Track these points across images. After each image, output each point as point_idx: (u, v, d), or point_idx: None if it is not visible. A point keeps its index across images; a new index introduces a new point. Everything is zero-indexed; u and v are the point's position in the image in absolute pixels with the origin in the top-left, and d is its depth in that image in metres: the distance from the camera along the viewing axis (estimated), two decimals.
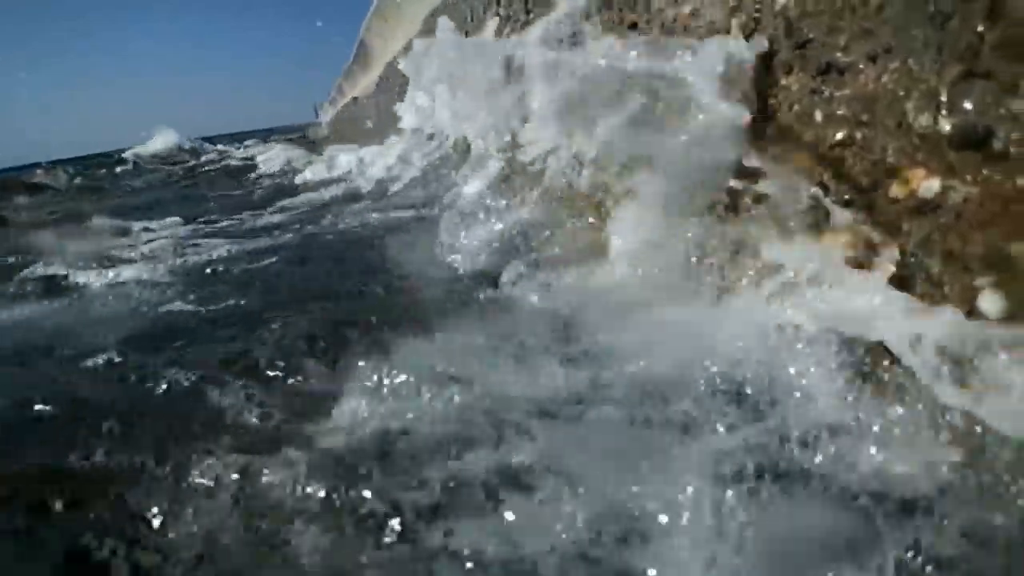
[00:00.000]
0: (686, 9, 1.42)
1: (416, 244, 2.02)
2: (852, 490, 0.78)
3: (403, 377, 1.07)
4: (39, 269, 2.67)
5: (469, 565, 0.76)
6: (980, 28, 0.87)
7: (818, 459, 0.83)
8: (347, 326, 1.37)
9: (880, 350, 0.91)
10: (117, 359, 1.38)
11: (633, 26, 1.65)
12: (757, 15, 1.21)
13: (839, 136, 1.02)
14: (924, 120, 0.91)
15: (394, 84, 5.43)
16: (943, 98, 0.89)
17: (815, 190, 1.05)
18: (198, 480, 0.94)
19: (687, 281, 1.18)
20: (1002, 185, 0.82)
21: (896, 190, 0.93)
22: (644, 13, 1.60)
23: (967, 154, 0.86)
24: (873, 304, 0.92)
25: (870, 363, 0.91)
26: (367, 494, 0.87)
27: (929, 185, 0.89)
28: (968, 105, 0.87)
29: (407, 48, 4.85)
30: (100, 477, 1.00)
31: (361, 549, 0.81)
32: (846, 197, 1.00)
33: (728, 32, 1.27)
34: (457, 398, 1.02)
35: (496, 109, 2.14)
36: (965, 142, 0.86)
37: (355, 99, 9.91)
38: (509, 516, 0.82)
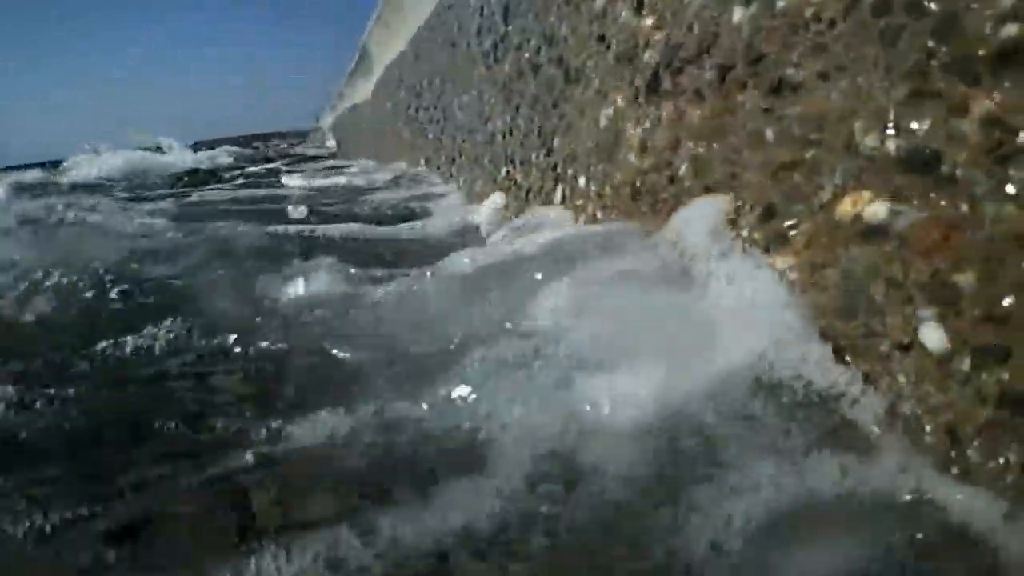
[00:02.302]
0: (649, 22, 1.39)
1: None
2: None
3: None
4: None
5: None
6: (930, 45, 0.83)
7: None
8: None
9: None
10: None
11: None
12: (715, 29, 1.18)
13: (789, 157, 0.98)
14: (871, 141, 0.87)
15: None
16: (891, 118, 0.85)
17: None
18: None
19: None
20: (948, 211, 0.78)
21: (842, 214, 0.89)
22: (612, 25, 1.57)
23: (914, 177, 0.82)
24: None
25: None
26: None
27: (875, 210, 0.85)
28: (916, 125, 0.83)
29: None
30: None
31: None
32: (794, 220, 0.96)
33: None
34: None
35: None
36: (912, 165, 0.82)
37: (354, 106, 9.93)
38: None
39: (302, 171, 6.78)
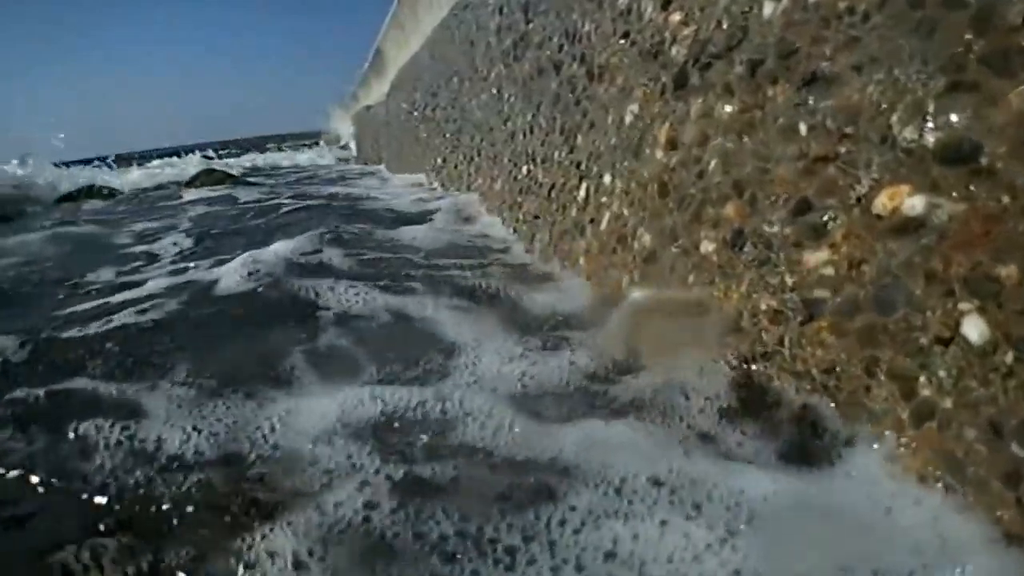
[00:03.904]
0: (676, 17, 1.39)
1: None
2: None
3: None
4: None
5: None
6: (967, 37, 0.82)
7: None
8: None
9: None
10: None
11: (625, 35, 1.62)
12: (745, 23, 1.17)
13: (823, 149, 0.98)
14: (909, 133, 0.86)
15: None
16: (929, 111, 0.85)
17: None
18: None
19: None
20: (988, 203, 0.77)
21: (880, 207, 0.88)
22: (636, 22, 1.57)
23: (953, 170, 0.81)
24: None
25: None
26: None
27: (913, 203, 0.85)
28: (955, 118, 0.82)
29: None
30: None
31: None
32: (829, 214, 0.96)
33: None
34: None
35: None
36: (951, 157, 0.82)
37: (368, 107, 9.97)
38: None
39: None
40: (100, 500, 0.95)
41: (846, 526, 0.78)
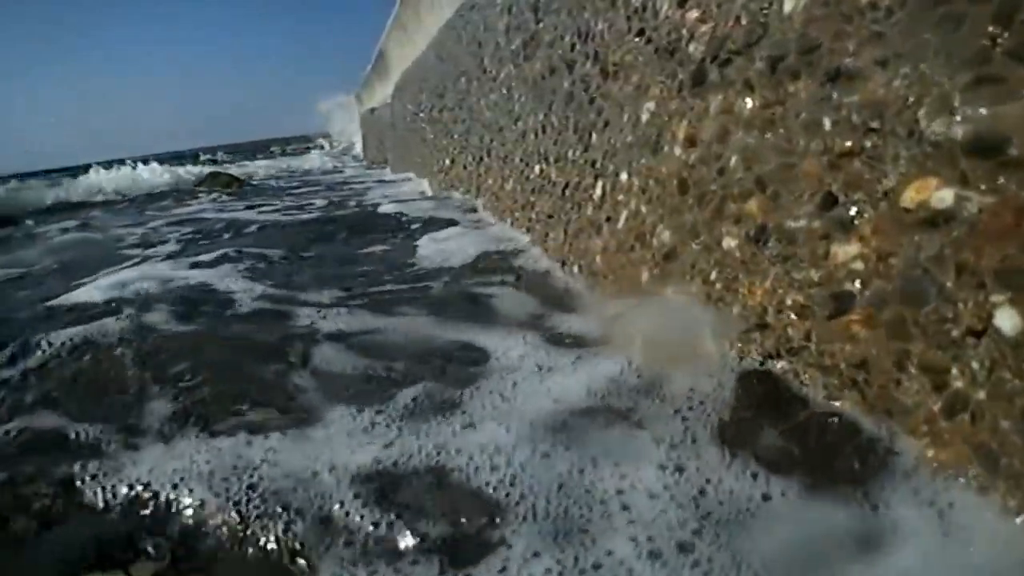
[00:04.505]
0: (693, 15, 1.39)
1: None
2: None
3: None
4: None
5: None
6: (992, 30, 0.83)
7: None
8: None
9: None
10: None
11: (641, 33, 1.62)
12: (764, 20, 1.18)
13: (848, 144, 0.98)
14: (937, 127, 0.87)
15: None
16: (956, 104, 0.85)
17: None
18: None
19: None
20: (1019, 195, 0.78)
21: (908, 200, 0.89)
22: (651, 20, 1.57)
23: (981, 162, 0.82)
24: None
25: None
26: None
27: (942, 196, 0.85)
28: (982, 111, 0.83)
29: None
30: None
31: None
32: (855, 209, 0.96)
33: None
34: None
35: None
36: (979, 150, 0.82)
37: (373, 109, 9.99)
38: None
39: None
40: None
41: None
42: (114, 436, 1.19)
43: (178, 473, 1.03)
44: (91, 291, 2.20)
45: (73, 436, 1.21)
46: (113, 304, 2.02)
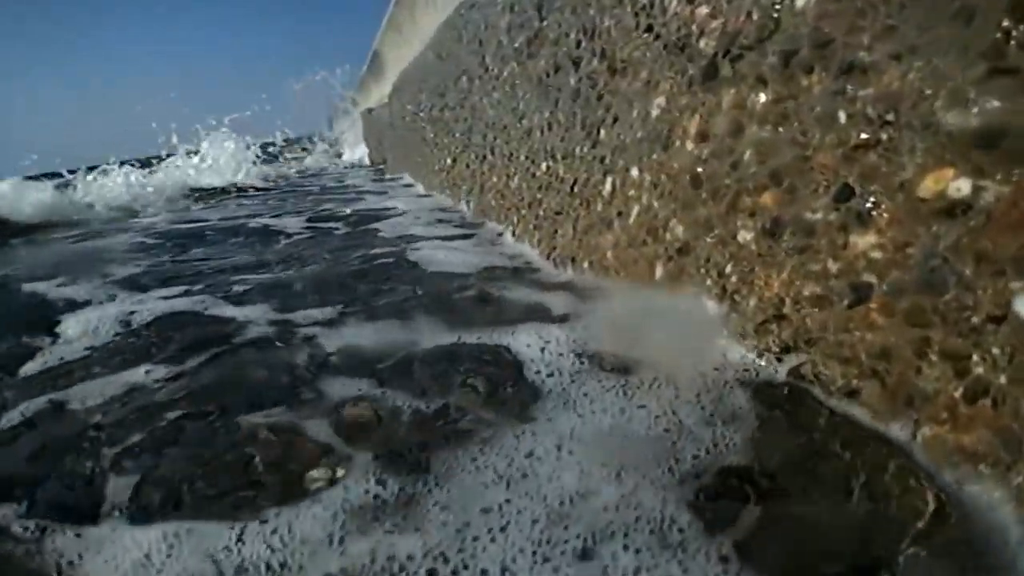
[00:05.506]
0: (703, 10, 1.41)
1: None
2: None
3: None
4: None
5: None
6: (1005, 24, 0.84)
7: None
8: None
9: None
10: None
11: (649, 29, 1.64)
12: (776, 15, 1.20)
13: (864, 136, 1.00)
14: (953, 119, 0.89)
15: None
16: (970, 96, 0.87)
17: None
18: None
19: None
20: None
21: (925, 191, 0.91)
22: (660, 16, 1.59)
23: (997, 153, 0.84)
24: None
25: None
26: None
27: (958, 186, 0.87)
28: (997, 103, 0.84)
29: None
30: None
31: None
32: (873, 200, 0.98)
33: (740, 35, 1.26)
34: None
35: None
36: (995, 141, 0.84)
37: (370, 109, 9.99)
38: None
39: None
40: None
41: None
42: None
43: None
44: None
45: None
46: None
